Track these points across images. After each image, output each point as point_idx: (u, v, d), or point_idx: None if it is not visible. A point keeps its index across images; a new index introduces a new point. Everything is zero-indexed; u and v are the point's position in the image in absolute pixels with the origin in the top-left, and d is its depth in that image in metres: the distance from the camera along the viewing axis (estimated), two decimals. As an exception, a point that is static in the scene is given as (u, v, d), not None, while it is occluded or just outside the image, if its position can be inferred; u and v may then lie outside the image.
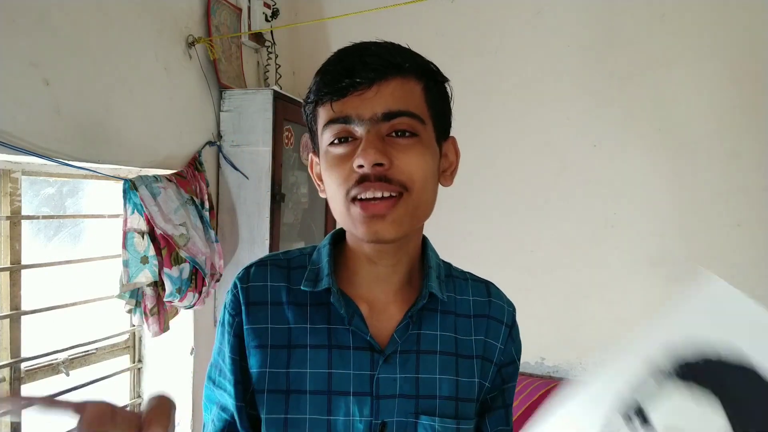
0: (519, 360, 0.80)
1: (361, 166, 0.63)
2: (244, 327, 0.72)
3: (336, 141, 0.66)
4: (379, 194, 0.63)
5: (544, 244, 2.38)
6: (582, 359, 2.34)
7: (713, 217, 2.18)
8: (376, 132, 0.64)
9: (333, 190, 0.67)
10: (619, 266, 2.29)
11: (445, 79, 0.72)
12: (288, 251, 0.79)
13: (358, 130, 0.65)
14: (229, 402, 0.72)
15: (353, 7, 2.01)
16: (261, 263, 0.76)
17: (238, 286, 0.74)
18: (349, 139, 0.66)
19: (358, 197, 0.64)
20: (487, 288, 0.81)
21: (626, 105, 2.26)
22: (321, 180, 0.73)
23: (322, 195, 0.74)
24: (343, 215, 0.67)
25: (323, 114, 0.68)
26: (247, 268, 0.76)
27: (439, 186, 0.73)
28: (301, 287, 0.72)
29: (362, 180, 0.64)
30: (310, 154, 0.77)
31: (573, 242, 2.34)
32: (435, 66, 0.71)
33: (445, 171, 0.74)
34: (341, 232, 0.77)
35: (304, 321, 0.72)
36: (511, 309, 0.80)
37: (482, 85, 2.40)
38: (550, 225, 2.36)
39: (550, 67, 2.34)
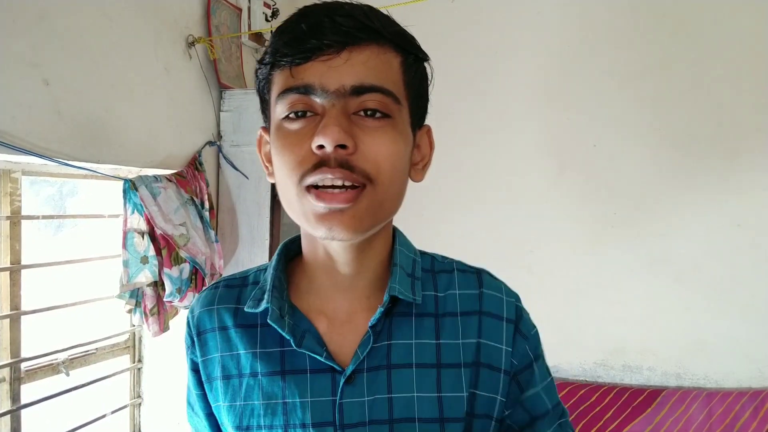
0: (539, 356, 0.65)
1: (321, 147, 0.52)
2: (199, 360, 0.65)
3: (291, 115, 0.55)
4: (339, 182, 0.53)
5: (544, 244, 2.38)
6: (582, 359, 2.34)
7: (713, 217, 2.18)
8: (341, 107, 0.53)
9: (283, 175, 0.56)
10: (619, 266, 2.29)
11: (426, 57, 0.61)
12: (247, 269, 0.70)
13: (320, 103, 0.54)
14: None
15: (353, 7, 2.01)
16: (213, 286, 0.68)
17: (189, 317, 0.67)
18: (308, 113, 0.54)
19: (314, 185, 0.54)
20: (479, 278, 0.66)
21: (626, 105, 2.26)
22: (270, 161, 0.62)
23: (269, 179, 0.63)
24: (294, 207, 0.57)
25: (279, 80, 0.56)
26: (200, 294, 0.68)
27: (416, 183, 0.63)
28: (245, 308, 0.63)
29: (320, 165, 0.53)
30: (260, 130, 0.65)
31: (573, 242, 2.34)
32: (416, 40, 0.61)
33: (417, 164, 0.63)
34: (297, 238, 0.68)
35: (253, 345, 0.62)
36: (512, 299, 0.65)
37: (482, 85, 2.40)
38: (550, 225, 2.36)
39: (550, 66, 2.34)
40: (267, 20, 2.29)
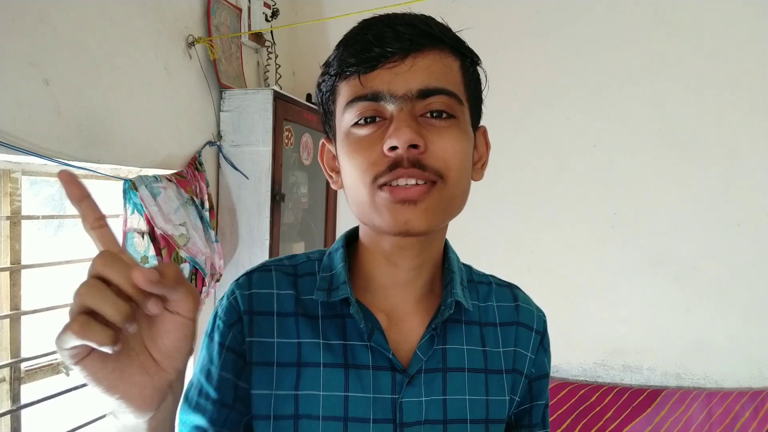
0: (548, 375, 0.72)
1: (393, 148, 0.54)
2: (246, 340, 0.62)
3: (361, 121, 0.57)
4: (412, 181, 0.55)
5: (544, 244, 2.38)
6: (582, 359, 2.34)
7: (713, 217, 2.18)
8: (409, 111, 0.56)
9: (355, 176, 0.57)
10: (619, 266, 2.29)
11: (479, 61, 0.65)
12: (292, 256, 0.69)
13: (389, 108, 0.56)
14: (207, 427, 0.61)
15: (353, 7, 2.00)
16: (264, 268, 0.66)
17: (237, 293, 0.64)
18: (377, 119, 0.57)
19: (388, 184, 0.56)
20: (513, 292, 0.72)
21: (626, 105, 2.27)
22: (334, 170, 0.65)
23: (334, 186, 0.65)
24: (366, 204, 0.58)
25: (346, 90, 0.58)
26: (248, 274, 0.66)
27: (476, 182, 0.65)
28: (314, 297, 0.63)
29: (394, 166, 0.55)
30: (322, 140, 0.67)
31: (573, 242, 2.34)
32: (469, 45, 0.63)
33: (476, 163, 0.66)
34: (353, 233, 0.68)
35: (315, 336, 0.62)
36: (541, 314, 0.72)
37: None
38: (550, 225, 2.36)
39: (549, 67, 2.34)
40: (267, 20, 2.29)
